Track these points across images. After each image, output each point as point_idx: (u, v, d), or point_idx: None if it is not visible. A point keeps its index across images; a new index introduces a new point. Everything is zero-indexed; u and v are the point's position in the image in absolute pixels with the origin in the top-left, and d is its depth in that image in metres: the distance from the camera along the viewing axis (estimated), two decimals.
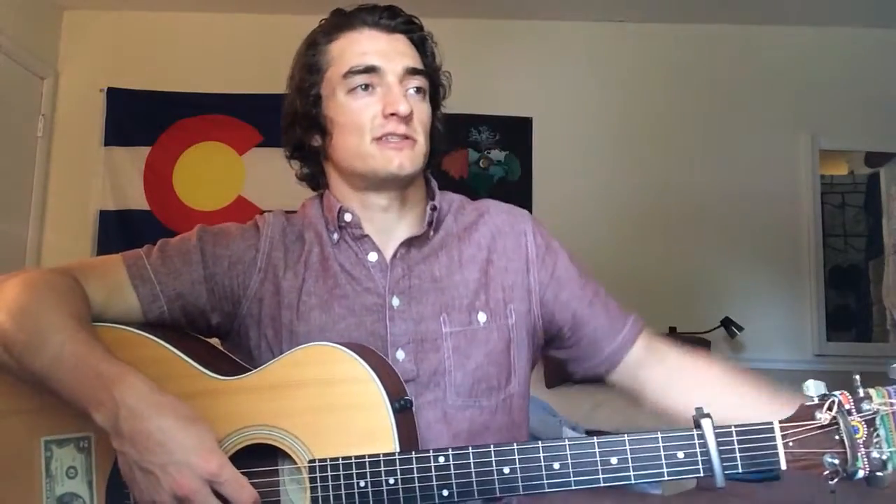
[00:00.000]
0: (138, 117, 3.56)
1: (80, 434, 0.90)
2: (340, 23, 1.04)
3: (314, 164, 1.09)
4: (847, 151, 4.19)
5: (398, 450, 0.82)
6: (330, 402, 0.84)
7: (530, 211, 1.15)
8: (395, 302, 1.02)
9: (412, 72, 1.02)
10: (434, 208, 1.06)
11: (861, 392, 0.72)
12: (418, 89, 1.03)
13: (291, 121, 1.07)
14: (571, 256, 1.12)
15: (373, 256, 1.03)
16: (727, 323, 3.33)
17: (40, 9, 3.53)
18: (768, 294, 3.50)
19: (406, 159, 0.99)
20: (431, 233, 1.06)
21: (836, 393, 0.73)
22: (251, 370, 0.91)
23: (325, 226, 1.06)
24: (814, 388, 0.74)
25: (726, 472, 0.74)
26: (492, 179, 3.55)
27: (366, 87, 1.00)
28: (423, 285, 1.03)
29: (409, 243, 1.04)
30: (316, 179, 1.11)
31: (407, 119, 0.99)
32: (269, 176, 3.48)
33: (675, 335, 3.35)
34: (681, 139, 3.60)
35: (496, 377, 1.05)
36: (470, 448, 0.80)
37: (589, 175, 3.56)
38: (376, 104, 0.99)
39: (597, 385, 1.14)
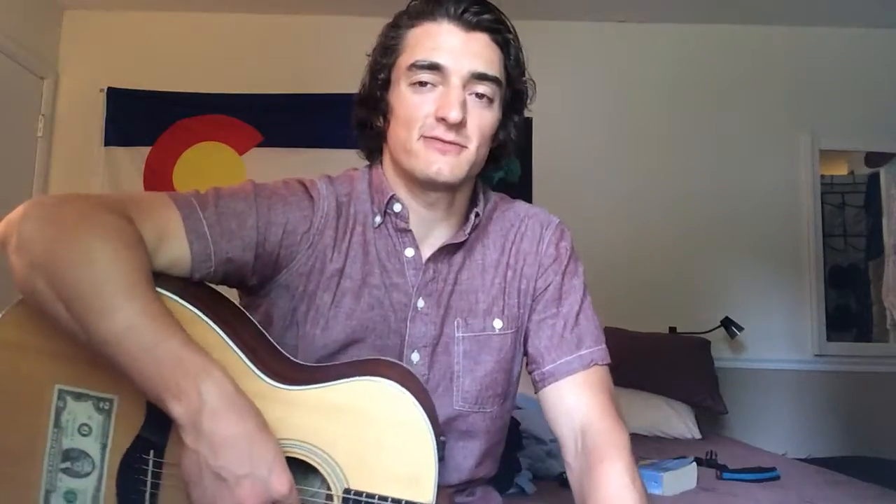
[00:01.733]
0: (138, 117, 3.56)
1: (102, 393, 0.84)
2: (424, 9, 0.99)
3: (375, 142, 1.07)
4: (847, 151, 4.18)
5: (433, 502, 0.82)
6: (380, 439, 0.83)
7: None
8: (421, 304, 1.01)
9: (479, 77, 0.96)
10: (477, 215, 1.05)
11: None
12: (480, 95, 0.97)
13: (360, 99, 1.05)
14: (577, 274, 1.08)
15: (409, 252, 1.02)
16: (727, 323, 3.33)
17: (40, 9, 3.53)
18: (768, 294, 3.49)
19: (446, 165, 0.95)
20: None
21: None
22: (301, 384, 0.86)
23: (371, 205, 1.04)
24: None
25: None
26: (492, 180, 3.52)
27: (424, 83, 0.95)
28: (447, 288, 1.03)
29: (445, 248, 1.03)
30: (374, 156, 1.09)
31: (458, 126, 0.94)
32: (269, 176, 3.42)
33: (675, 335, 3.36)
34: (681, 139, 3.60)
35: (502, 384, 1.05)
36: None
37: (589, 175, 3.56)
38: (431, 104, 0.95)
39: None
